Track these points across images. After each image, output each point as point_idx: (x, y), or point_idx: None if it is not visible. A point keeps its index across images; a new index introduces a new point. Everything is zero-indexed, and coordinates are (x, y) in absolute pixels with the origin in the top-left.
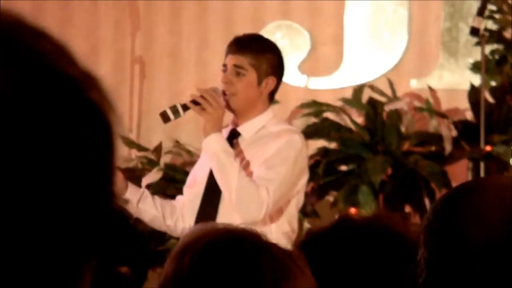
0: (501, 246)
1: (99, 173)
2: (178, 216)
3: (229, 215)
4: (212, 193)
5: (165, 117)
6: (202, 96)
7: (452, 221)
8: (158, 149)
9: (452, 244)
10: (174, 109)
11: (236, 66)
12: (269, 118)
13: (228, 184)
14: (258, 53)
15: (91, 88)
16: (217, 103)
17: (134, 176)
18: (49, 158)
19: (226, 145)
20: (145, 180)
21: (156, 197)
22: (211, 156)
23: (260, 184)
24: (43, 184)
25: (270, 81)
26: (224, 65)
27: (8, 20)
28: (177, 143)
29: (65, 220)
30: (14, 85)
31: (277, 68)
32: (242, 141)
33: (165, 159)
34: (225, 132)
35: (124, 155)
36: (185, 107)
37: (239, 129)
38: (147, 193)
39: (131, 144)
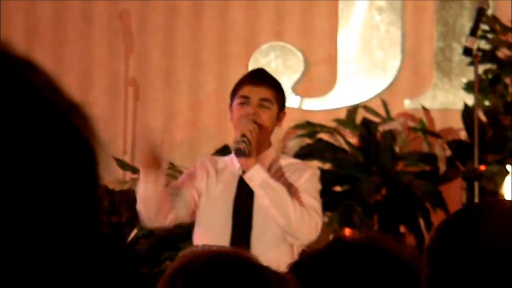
0: (505, 267)
1: (80, 194)
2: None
3: (262, 243)
4: (242, 222)
5: (241, 152)
6: (249, 129)
7: (456, 242)
8: None
9: (455, 264)
10: (245, 143)
11: (263, 99)
12: (274, 151)
13: (285, 208)
14: (278, 88)
15: (74, 115)
16: (257, 136)
17: (129, 198)
18: (32, 178)
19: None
20: None
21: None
22: (260, 185)
23: (309, 208)
24: (23, 202)
25: (283, 115)
26: (245, 97)
27: (0, 52)
28: (171, 165)
29: (46, 242)
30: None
31: (285, 102)
32: None
33: None
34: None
35: (118, 177)
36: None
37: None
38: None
39: (125, 166)
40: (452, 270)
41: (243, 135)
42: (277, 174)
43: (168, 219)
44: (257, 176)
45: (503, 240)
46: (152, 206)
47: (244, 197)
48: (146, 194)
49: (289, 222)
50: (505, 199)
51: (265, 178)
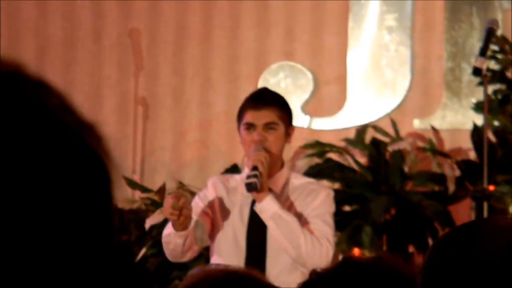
0: (499, 283)
1: (94, 213)
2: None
3: (276, 271)
4: (256, 248)
5: (253, 187)
6: (260, 160)
7: (448, 260)
8: (161, 190)
9: (448, 281)
10: (257, 177)
11: (268, 123)
12: (288, 170)
13: (296, 240)
14: (282, 106)
15: (87, 135)
16: (268, 165)
17: (138, 217)
18: (46, 197)
19: (279, 203)
20: (149, 222)
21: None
22: (271, 217)
23: (320, 236)
24: (39, 220)
25: (292, 130)
26: (249, 124)
27: (14, 72)
28: (181, 184)
29: (60, 258)
30: (16, 130)
31: (292, 117)
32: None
33: None
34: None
35: (128, 196)
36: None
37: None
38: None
39: (134, 185)
40: (445, 285)
41: (254, 167)
42: (291, 196)
43: (191, 255)
44: (268, 209)
45: (499, 256)
46: (178, 252)
47: (257, 223)
48: (175, 247)
49: (300, 253)
50: (504, 216)
51: (277, 211)
